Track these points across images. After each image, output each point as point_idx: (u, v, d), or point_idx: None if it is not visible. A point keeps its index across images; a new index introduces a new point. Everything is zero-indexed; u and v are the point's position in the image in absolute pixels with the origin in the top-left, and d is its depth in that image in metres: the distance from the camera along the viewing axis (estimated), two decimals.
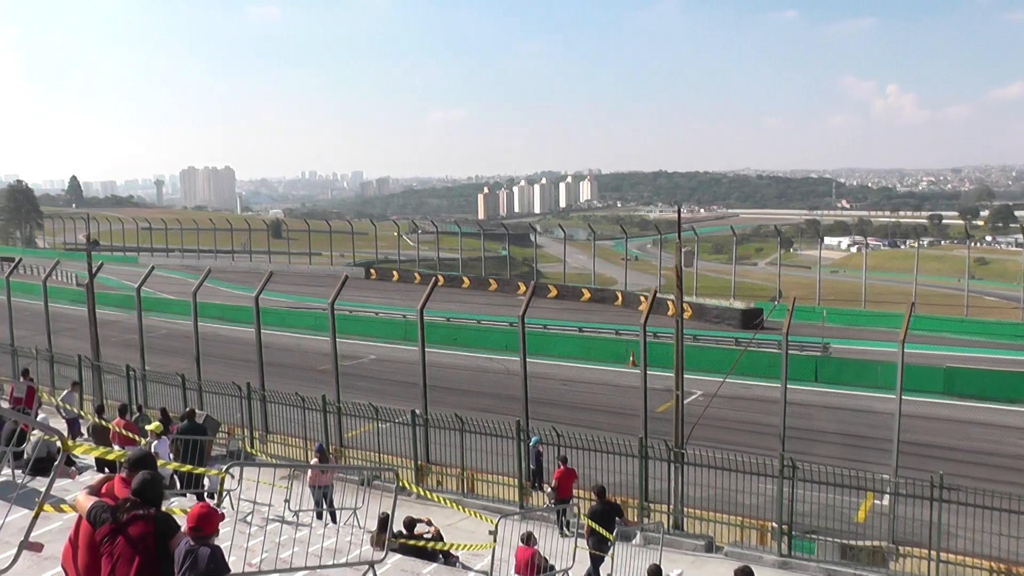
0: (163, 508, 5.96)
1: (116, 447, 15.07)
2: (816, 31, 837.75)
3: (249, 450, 22.39)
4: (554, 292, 58.13)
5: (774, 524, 17.62)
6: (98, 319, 30.52)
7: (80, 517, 5.90)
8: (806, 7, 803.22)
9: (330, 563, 10.22)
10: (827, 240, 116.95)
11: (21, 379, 22.13)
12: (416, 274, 66.57)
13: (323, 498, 17.25)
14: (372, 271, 70.10)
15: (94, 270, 30.04)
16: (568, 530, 17.72)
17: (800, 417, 24.25)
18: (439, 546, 12.99)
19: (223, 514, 6.13)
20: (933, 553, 15.93)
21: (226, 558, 6.10)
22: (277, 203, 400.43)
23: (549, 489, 19.05)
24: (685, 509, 18.90)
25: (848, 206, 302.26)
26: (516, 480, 20.51)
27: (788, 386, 19.61)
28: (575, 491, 18.65)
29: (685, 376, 20.49)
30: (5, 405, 18.53)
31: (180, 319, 39.15)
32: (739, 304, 48.64)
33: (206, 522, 5.92)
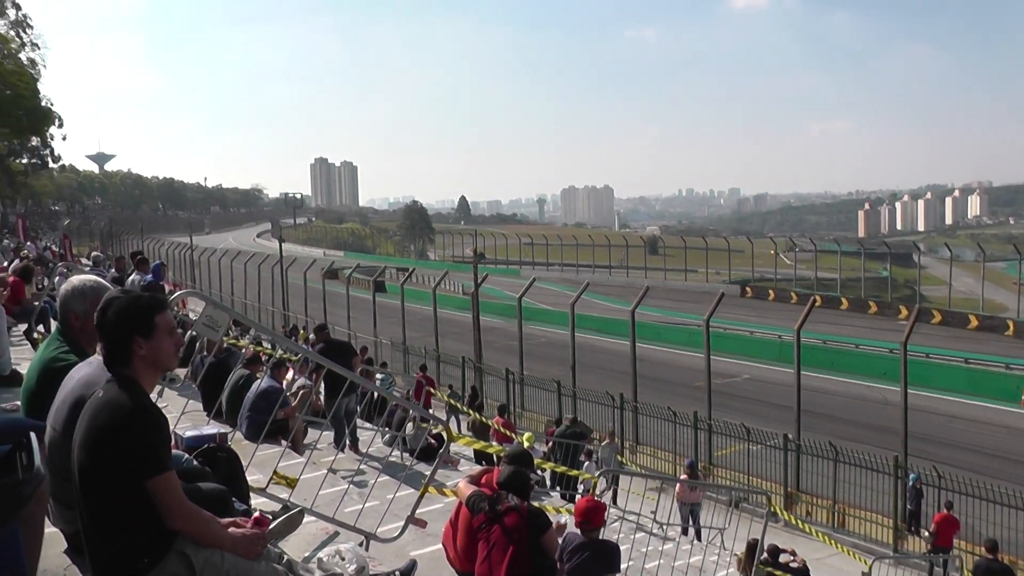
0: (534, 504, 6.10)
1: (495, 443, 15.89)
2: None
3: (619, 459, 22.69)
4: (938, 318, 53.58)
5: None
6: (481, 325, 32.58)
7: (460, 502, 6.18)
8: None
9: None
10: None
11: (419, 373, 24.20)
12: (792, 294, 64.22)
13: (690, 515, 17.01)
14: (748, 289, 68.54)
15: (479, 281, 32.08)
16: None
17: None
18: None
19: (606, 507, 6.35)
20: None
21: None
22: (654, 220, 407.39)
23: (927, 534, 17.45)
24: None
25: None
26: (891, 520, 19.00)
27: None
28: (956, 541, 16.93)
29: None
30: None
31: (558, 329, 40.70)
32: None
33: (593, 515, 6.18)
